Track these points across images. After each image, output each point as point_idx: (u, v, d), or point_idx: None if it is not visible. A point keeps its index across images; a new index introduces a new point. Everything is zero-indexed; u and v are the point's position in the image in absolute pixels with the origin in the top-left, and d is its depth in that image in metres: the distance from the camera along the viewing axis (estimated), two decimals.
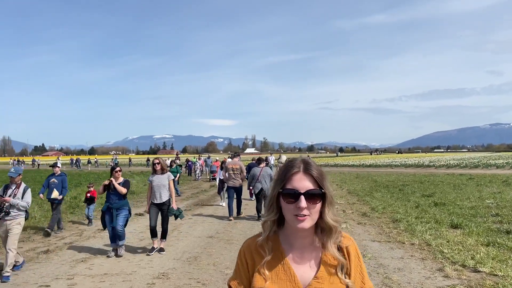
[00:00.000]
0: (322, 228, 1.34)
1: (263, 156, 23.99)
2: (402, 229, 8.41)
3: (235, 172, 10.61)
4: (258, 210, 10.13)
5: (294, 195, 1.26)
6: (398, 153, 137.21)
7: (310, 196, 1.26)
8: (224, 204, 10.53)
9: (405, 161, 47.27)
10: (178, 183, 15.87)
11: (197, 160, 29.52)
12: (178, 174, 15.95)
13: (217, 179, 11.66)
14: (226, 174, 10.76)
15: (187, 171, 30.64)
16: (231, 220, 10.15)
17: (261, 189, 9.92)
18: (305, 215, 1.25)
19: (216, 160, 27.43)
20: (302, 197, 1.25)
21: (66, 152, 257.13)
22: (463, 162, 41.44)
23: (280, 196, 1.31)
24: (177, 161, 26.40)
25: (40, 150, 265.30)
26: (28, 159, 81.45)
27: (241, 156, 13.14)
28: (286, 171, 1.32)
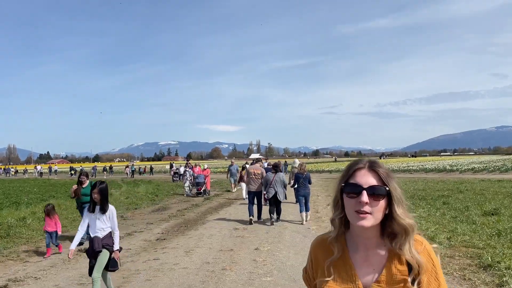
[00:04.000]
0: (390, 231, 1.27)
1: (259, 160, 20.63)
2: None
3: (256, 177, 10.69)
4: (271, 212, 10.25)
5: (356, 190, 1.24)
6: (412, 156, 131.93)
7: (373, 193, 1.23)
8: None
9: (423, 166, 43.35)
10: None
11: (187, 168, 20.76)
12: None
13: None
14: (246, 179, 11.03)
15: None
16: (251, 220, 10.18)
17: (275, 193, 10.14)
18: (366, 212, 1.22)
19: (205, 168, 20.27)
20: (364, 192, 1.22)
21: (71, 160, 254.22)
22: (489, 166, 37.48)
23: (343, 193, 1.28)
24: (186, 168, 20.93)
25: (45, 158, 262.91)
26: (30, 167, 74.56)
27: (262, 161, 14.32)
28: (351, 167, 1.31)
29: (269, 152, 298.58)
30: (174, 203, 15.82)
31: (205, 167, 20.44)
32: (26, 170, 58.69)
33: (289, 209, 12.65)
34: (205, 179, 18.32)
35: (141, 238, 8.82)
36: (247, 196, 14.66)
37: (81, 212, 7.97)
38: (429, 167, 39.99)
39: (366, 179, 1.24)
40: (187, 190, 18.87)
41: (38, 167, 55.95)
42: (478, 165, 39.03)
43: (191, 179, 18.92)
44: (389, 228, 1.26)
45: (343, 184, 1.27)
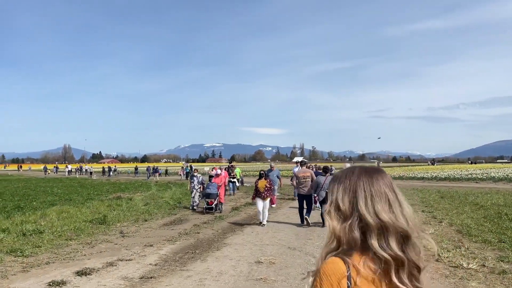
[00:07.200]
0: None
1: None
2: None
3: (306, 180, 10.71)
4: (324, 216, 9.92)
5: None
6: (471, 163, 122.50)
7: None
8: None
9: (488, 173, 38.24)
10: None
11: (195, 173, 15.48)
12: None
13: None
14: (295, 182, 11.20)
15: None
16: (305, 226, 10.23)
17: (326, 196, 9.35)
18: None
19: (218, 173, 15.58)
20: None
21: (121, 159, 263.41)
22: None
23: None
24: (194, 173, 17.22)
25: (97, 157, 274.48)
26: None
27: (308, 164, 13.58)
28: None
29: (313, 155, 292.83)
30: (194, 214, 13.21)
31: (219, 172, 15.53)
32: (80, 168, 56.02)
33: None
34: (219, 189, 13.49)
35: (120, 273, 6.16)
36: (264, 223, 10.70)
37: None
38: (497, 175, 34.96)
39: None
40: (194, 203, 14.35)
41: (69, 166, 55.96)
42: None
43: (199, 188, 14.37)
44: None
45: None
